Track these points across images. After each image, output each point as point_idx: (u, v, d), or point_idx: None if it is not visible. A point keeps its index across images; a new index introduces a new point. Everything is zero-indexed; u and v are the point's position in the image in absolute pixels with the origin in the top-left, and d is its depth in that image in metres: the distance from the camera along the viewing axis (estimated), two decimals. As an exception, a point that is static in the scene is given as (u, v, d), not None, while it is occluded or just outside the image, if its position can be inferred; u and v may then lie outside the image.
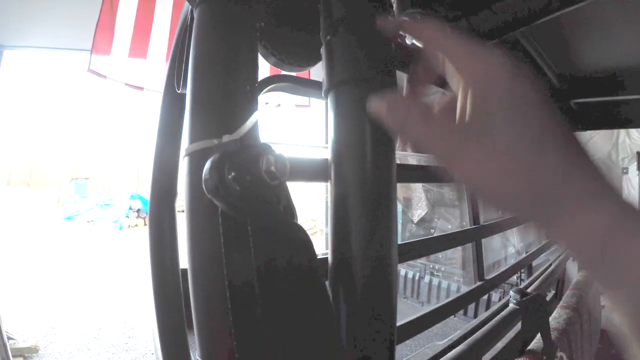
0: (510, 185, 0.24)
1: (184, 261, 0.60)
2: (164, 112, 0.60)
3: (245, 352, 0.19)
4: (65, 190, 17.38)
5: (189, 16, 0.46)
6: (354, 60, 0.30)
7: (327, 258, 0.30)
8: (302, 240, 0.23)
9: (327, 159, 0.32)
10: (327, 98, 0.32)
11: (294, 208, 0.28)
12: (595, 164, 0.25)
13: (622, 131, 3.61)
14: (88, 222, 12.12)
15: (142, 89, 2.16)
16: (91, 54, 2.00)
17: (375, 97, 0.28)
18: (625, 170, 3.71)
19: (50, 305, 4.37)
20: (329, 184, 0.31)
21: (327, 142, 0.31)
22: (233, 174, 0.23)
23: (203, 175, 0.23)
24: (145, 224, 11.70)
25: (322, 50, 0.33)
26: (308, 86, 0.47)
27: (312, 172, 0.36)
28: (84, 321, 3.97)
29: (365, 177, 0.28)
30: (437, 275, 3.63)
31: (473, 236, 0.97)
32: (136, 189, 15.75)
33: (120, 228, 11.24)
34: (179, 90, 0.53)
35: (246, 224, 0.22)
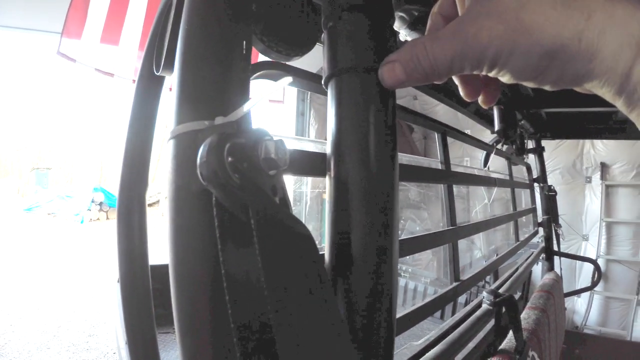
0: (538, 19, 0.23)
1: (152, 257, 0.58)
2: (138, 94, 0.57)
3: (251, 351, 0.17)
4: (26, 180, 16.58)
5: (174, -5, 0.44)
6: (358, 47, 0.29)
7: (323, 254, 0.28)
8: (304, 234, 0.21)
9: (324, 153, 0.30)
10: (327, 87, 0.30)
11: (289, 200, 0.26)
12: None
13: (587, 142, 3.80)
14: (48, 214, 11.62)
15: (112, 75, 2.07)
16: (61, 36, 1.89)
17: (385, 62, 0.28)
18: (588, 179, 3.91)
19: (8, 302, 4.16)
20: (327, 178, 0.29)
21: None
22: (230, 159, 0.21)
23: (198, 159, 0.21)
24: (107, 218, 11.38)
25: (324, 37, 0.31)
26: (304, 77, 0.45)
27: (309, 165, 0.34)
28: (43, 319, 3.81)
29: (368, 171, 0.27)
30: (404, 276, 3.67)
31: (472, 231, 1.00)
32: (99, 182, 15.16)
33: (82, 222, 10.83)
34: (157, 72, 0.50)
35: (245, 216, 0.20)
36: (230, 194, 0.20)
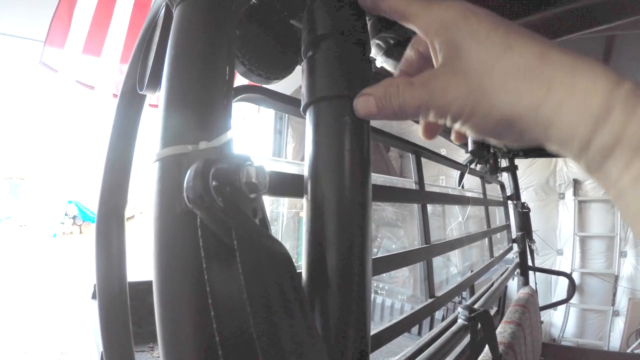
0: (500, 89, 0.24)
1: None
2: (120, 110, 0.57)
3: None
4: (-2, 189, 15.95)
5: (160, 14, 0.45)
6: (336, 76, 0.30)
7: (301, 272, 0.29)
8: (283, 254, 0.23)
9: (302, 175, 0.32)
10: (305, 114, 0.32)
11: (269, 222, 0.28)
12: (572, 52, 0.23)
13: (560, 159, 3.93)
14: (20, 226, 11.20)
15: (93, 88, 2.05)
16: (44, 45, 1.86)
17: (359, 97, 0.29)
18: (562, 196, 4.05)
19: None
20: (304, 199, 0.31)
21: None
22: (214, 183, 0.22)
23: (185, 183, 0.22)
24: (81, 232, 11.03)
25: (303, 66, 0.33)
26: (283, 100, 0.47)
27: (287, 186, 0.35)
28: (13, 335, 3.64)
29: (342, 193, 0.29)
30: (380, 293, 3.68)
31: (446, 248, 1.04)
32: (73, 195, 14.73)
33: (55, 235, 10.47)
34: (141, 90, 0.51)
35: (227, 237, 0.21)
36: (215, 217, 0.21)
